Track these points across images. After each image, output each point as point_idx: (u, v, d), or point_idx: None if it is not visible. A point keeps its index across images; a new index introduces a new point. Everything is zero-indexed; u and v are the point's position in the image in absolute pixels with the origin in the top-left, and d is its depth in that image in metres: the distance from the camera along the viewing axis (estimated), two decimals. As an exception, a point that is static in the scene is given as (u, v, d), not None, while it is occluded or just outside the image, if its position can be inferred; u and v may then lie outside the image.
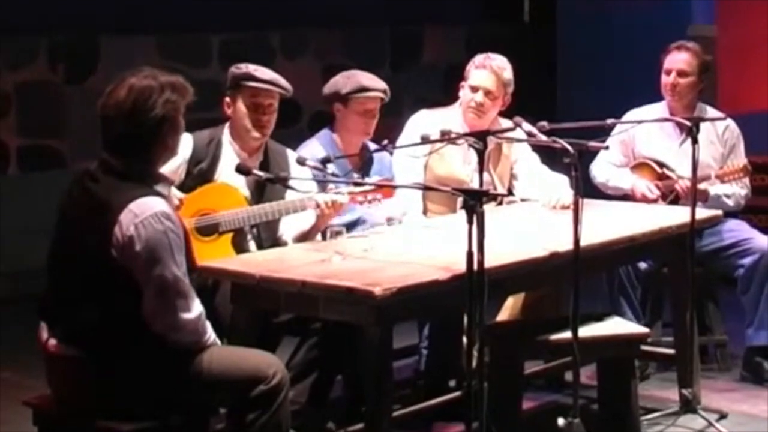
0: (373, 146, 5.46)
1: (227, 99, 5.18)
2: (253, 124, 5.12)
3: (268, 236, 5.15)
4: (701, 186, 5.87)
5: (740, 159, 6.16)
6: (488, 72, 5.65)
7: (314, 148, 5.39)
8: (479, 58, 5.70)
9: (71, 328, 4.01)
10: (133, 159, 3.98)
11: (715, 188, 6.05)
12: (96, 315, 3.94)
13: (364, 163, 5.47)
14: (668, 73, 6.15)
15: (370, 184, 4.94)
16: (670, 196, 6.08)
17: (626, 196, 6.15)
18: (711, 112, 6.22)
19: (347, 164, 5.36)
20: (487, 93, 5.64)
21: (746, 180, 6.15)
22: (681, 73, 6.13)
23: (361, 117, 5.39)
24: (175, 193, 4.85)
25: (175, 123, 4.01)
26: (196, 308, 4.02)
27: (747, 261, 5.99)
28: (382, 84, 5.43)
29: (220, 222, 4.99)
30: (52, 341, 4.06)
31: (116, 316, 3.94)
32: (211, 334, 4.10)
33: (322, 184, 5.01)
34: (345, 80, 5.42)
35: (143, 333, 3.95)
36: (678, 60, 6.15)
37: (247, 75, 5.11)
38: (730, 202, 6.13)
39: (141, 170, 4.00)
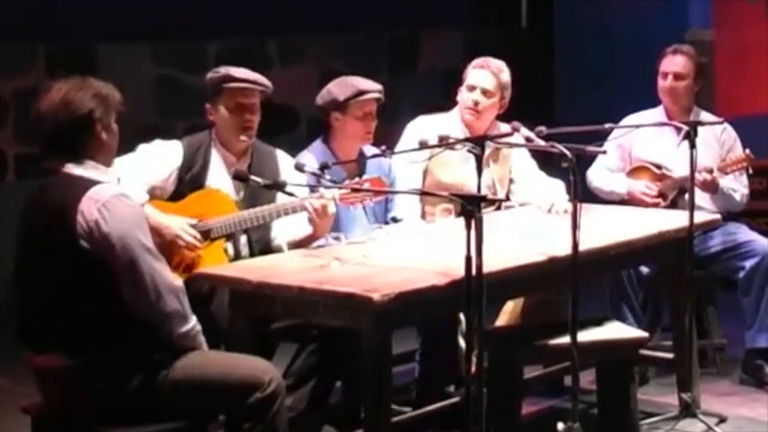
0: (371, 151, 5.45)
1: (208, 106, 5.16)
2: (238, 126, 5.10)
3: (260, 240, 5.14)
4: (710, 176, 5.90)
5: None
6: (486, 72, 5.70)
7: (307, 160, 5.35)
8: (478, 60, 5.76)
9: (56, 338, 3.99)
10: (75, 156, 4.03)
11: (721, 182, 6.05)
12: (77, 317, 3.94)
13: (361, 169, 5.45)
14: (665, 76, 6.18)
15: (367, 190, 4.92)
16: (671, 196, 6.07)
17: (624, 201, 6.15)
18: (706, 116, 6.21)
19: (343, 171, 5.33)
20: (485, 92, 5.68)
21: (744, 179, 6.15)
22: (677, 76, 6.15)
23: (361, 121, 5.37)
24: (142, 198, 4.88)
25: (107, 120, 4.06)
26: (178, 281, 4.08)
27: (748, 263, 5.99)
28: (377, 85, 5.42)
29: (212, 228, 4.98)
30: (39, 357, 4.05)
31: (98, 315, 3.94)
32: (196, 323, 4.09)
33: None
34: (339, 87, 5.39)
35: (130, 329, 3.95)
36: (674, 63, 6.18)
37: (227, 77, 5.10)
38: (737, 196, 6.14)
39: (86, 167, 4.04)
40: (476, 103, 5.68)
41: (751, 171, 6.11)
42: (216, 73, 5.14)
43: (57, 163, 4.05)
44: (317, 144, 5.46)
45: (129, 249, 3.93)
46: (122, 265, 3.94)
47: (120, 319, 3.95)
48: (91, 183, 3.99)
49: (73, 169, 4.03)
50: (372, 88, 5.40)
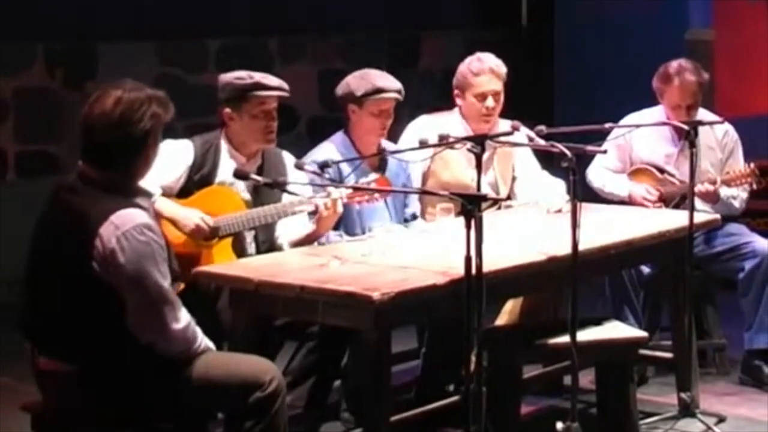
0: (391, 146, 5.44)
1: (228, 111, 5.09)
2: (263, 132, 5.07)
3: (266, 239, 5.14)
4: (713, 187, 5.90)
5: (739, 164, 6.16)
6: (491, 76, 5.70)
7: (328, 150, 5.36)
8: (474, 66, 5.71)
9: (56, 343, 3.97)
10: (114, 171, 3.94)
11: (722, 191, 6.05)
12: (78, 328, 3.91)
13: (380, 163, 5.45)
14: (678, 107, 6.05)
15: (367, 189, 4.93)
16: (674, 201, 6.07)
17: (624, 201, 6.15)
18: (707, 115, 6.20)
19: (366, 167, 5.31)
20: (495, 95, 5.68)
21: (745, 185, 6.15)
22: (692, 106, 6.07)
23: (376, 118, 5.35)
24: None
25: (157, 137, 4.00)
26: (184, 317, 3.99)
27: (748, 264, 5.99)
28: (396, 84, 5.39)
29: (221, 226, 4.97)
30: (40, 358, 4.04)
31: (99, 328, 3.91)
32: (201, 341, 4.06)
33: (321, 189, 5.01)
34: (358, 81, 5.36)
35: (130, 343, 3.91)
36: (687, 93, 6.04)
37: (258, 84, 5.04)
38: (737, 204, 6.14)
39: (121, 183, 3.96)
40: (492, 110, 5.69)
41: (755, 186, 6.10)
42: (241, 79, 5.06)
43: (92, 170, 3.95)
44: (339, 135, 5.46)
45: (142, 288, 3.87)
46: (131, 300, 3.88)
47: (121, 334, 3.91)
48: (119, 203, 3.89)
49: (107, 181, 3.92)
50: (390, 87, 5.36)
